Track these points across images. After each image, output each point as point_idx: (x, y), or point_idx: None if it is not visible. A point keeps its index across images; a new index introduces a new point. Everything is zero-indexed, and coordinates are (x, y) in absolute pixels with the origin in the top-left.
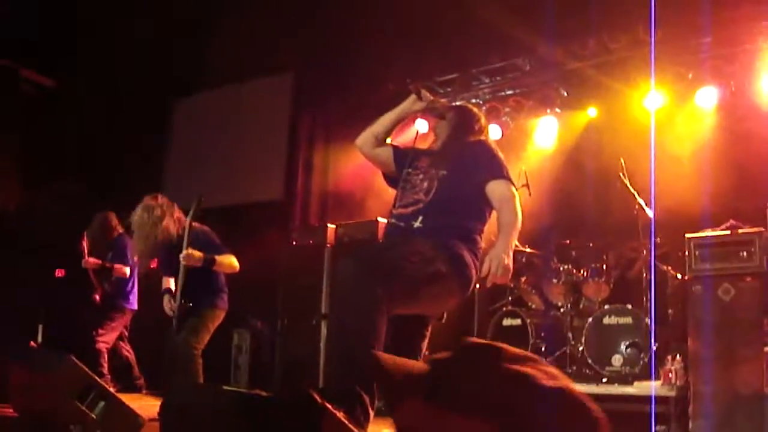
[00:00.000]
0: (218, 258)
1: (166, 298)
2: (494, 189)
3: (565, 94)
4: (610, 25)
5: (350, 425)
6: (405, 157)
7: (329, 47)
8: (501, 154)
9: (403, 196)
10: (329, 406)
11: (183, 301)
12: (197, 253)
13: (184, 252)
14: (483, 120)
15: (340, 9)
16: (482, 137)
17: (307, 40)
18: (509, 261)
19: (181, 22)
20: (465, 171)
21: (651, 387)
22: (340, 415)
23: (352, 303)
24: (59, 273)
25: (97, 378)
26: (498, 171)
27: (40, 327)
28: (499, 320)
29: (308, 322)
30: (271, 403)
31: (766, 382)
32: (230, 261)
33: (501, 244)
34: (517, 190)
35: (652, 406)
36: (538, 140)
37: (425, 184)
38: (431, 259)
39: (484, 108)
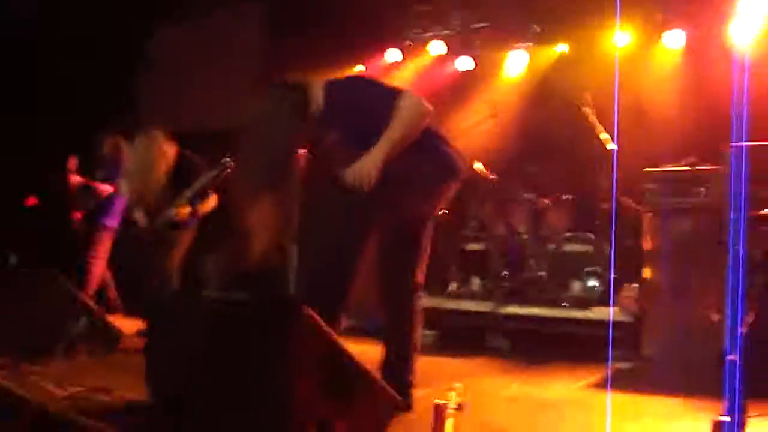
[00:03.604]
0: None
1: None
2: None
3: (537, 29)
4: None
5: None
6: None
7: None
8: None
9: None
10: (307, 308)
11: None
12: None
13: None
14: None
15: None
16: None
17: None
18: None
19: None
20: None
21: (609, 312)
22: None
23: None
24: (31, 202)
25: (78, 293)
26: None
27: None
28: (463, 245)
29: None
30: (252, 305)
31: (716, 311)
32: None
33: None
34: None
35: (610, 330)
36: (508, 72)
37: None
38: None
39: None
